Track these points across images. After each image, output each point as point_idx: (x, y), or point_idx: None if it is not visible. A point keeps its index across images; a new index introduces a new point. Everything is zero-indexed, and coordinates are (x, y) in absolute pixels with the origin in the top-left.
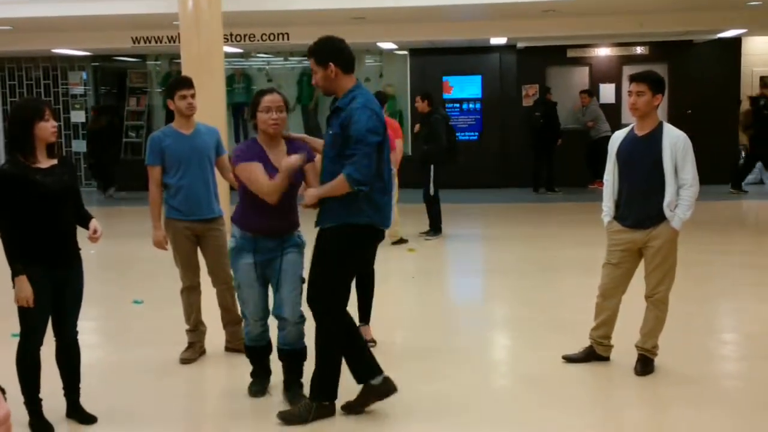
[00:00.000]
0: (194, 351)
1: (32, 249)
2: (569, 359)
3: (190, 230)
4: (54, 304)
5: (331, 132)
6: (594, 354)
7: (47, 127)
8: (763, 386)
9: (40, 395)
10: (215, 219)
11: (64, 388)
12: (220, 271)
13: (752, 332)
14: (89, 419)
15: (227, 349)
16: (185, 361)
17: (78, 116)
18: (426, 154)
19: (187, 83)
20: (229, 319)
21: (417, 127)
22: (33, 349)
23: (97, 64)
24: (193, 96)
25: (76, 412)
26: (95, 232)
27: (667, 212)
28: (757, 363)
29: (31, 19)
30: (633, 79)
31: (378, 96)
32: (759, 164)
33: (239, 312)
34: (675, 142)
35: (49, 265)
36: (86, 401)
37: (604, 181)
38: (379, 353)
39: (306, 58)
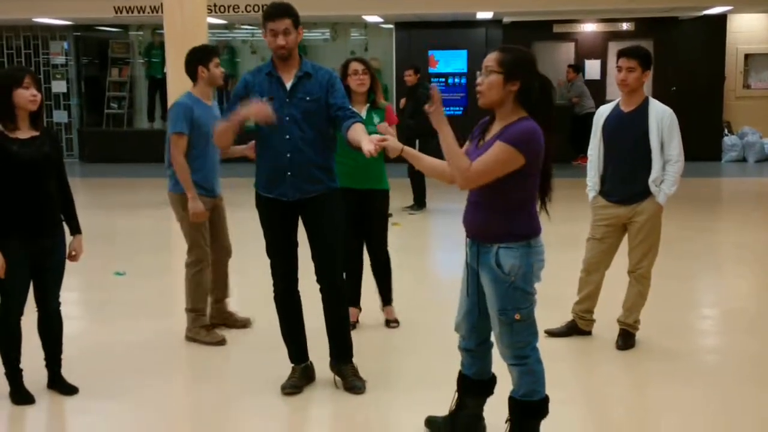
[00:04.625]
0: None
1: (10, 219)
2: (551, 333)
3: (211, 207)
4: (36, 274)
5: (309, 98)
6: (576, 328)
7: (25, 95)
8: (742, 360)
9: (21, 366)
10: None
11: (45, 359)
12: (225, 239)
13: (733, 308)
14: (70, 390)
15: (213, 325)
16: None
17: (59, 86)
18: (411, 129)
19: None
20: (220, 294)
21: (403, 101)
22: (13, 320)
23: (78, 33)
24: None
25: (57, 383)
26: (74, 252)
27: (652, 188)
28: (737, 338)
29: None
30: (623, 54)
31: None
32: (743, 140)
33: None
34: (661, 118)
35: (29, 236)
36: (67, 372)
37: (589, 156)
38: (362, 329)
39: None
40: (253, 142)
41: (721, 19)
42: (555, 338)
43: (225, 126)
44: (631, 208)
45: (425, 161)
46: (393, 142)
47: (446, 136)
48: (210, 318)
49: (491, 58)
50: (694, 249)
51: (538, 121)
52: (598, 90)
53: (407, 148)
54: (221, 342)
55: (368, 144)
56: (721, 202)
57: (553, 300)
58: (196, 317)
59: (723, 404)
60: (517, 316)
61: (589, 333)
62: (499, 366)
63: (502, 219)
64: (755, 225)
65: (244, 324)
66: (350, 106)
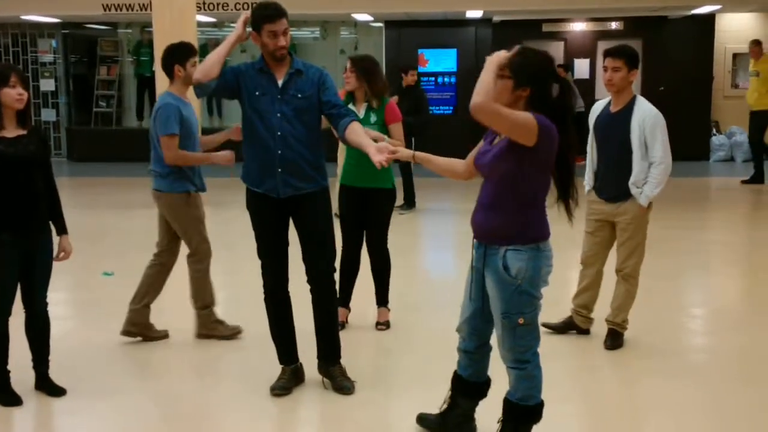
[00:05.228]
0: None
1: None
2: (547, 326)
3: (201, 202)
4: (23, 274)
5: (301, 96)
6: (573, 325)
7: (12, 94)
8: (730, 359)
9: (8, 367)
10: None
11: (33, 360)
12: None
13: (721, 307)
14: (58, 391)
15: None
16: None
17: (48, 84)
18: (409, 126)
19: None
20: (151, 299)
21: (396, 99)
22: (1, 320)
23: (67, 31)
24: None
25: (44, 384)
26: (63, 253)
27: (632, 189)
28: (724, 337)
29: None
30: (609, 54)
31: None
32: (731, 140)
33: None
34: (644, 119)
35: (17, 234)
36: (55, 373)
37: (587, 151)
38: (351, 329)
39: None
40: (237, 125)
41: (710, 18)
42: (545, 337)
43: (222, 51)
44: (616, 206)
45: (437, 162)
46: (404, 153)
47: (489, 70)
48: (128, 324)
49: (504, 62)
50: (681, 248)
51: (555, 123)
52: (587, 89)
53: (419, 153)
54: (237, 332)
55: (377, 155)
56: (708, 202)
57: (550, 299)
58: (209, 313)
59: (712, 402)
60: (521, 321)
61: (586, 331)
62: (494, 365)
63: (512, 221)
64: (743, 224)
65: (164, 335)
66: (342, 103)
